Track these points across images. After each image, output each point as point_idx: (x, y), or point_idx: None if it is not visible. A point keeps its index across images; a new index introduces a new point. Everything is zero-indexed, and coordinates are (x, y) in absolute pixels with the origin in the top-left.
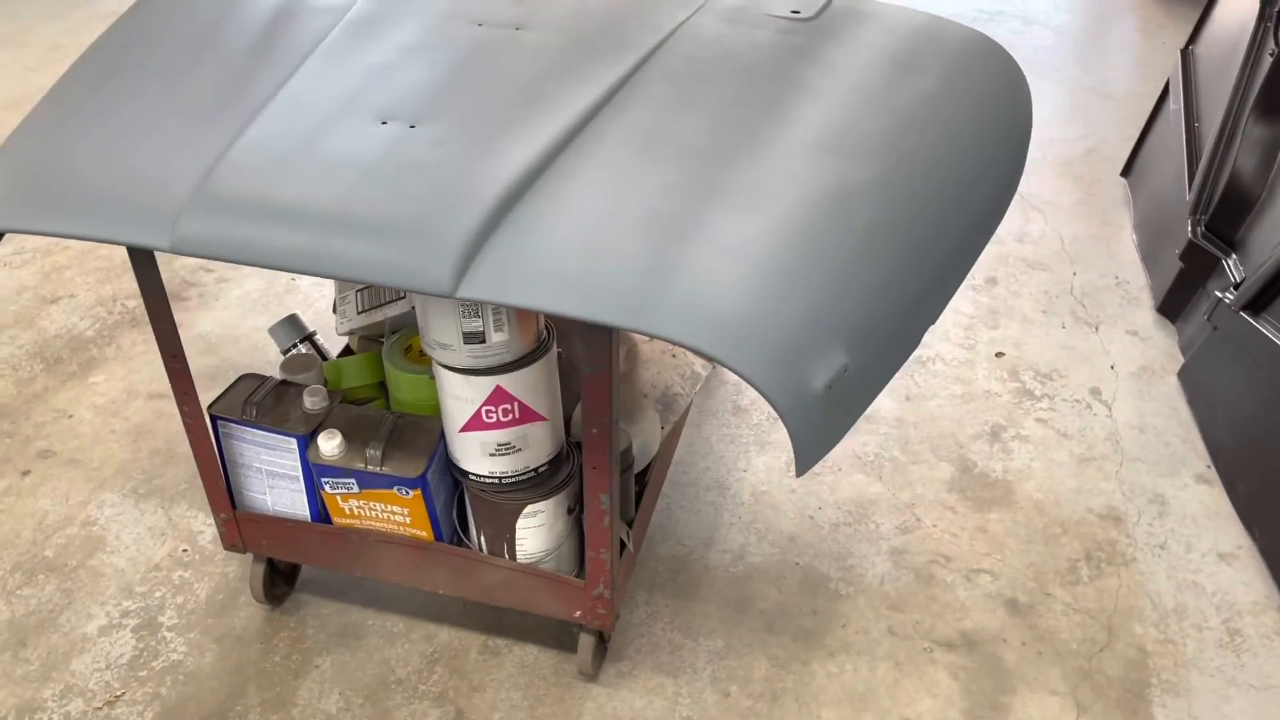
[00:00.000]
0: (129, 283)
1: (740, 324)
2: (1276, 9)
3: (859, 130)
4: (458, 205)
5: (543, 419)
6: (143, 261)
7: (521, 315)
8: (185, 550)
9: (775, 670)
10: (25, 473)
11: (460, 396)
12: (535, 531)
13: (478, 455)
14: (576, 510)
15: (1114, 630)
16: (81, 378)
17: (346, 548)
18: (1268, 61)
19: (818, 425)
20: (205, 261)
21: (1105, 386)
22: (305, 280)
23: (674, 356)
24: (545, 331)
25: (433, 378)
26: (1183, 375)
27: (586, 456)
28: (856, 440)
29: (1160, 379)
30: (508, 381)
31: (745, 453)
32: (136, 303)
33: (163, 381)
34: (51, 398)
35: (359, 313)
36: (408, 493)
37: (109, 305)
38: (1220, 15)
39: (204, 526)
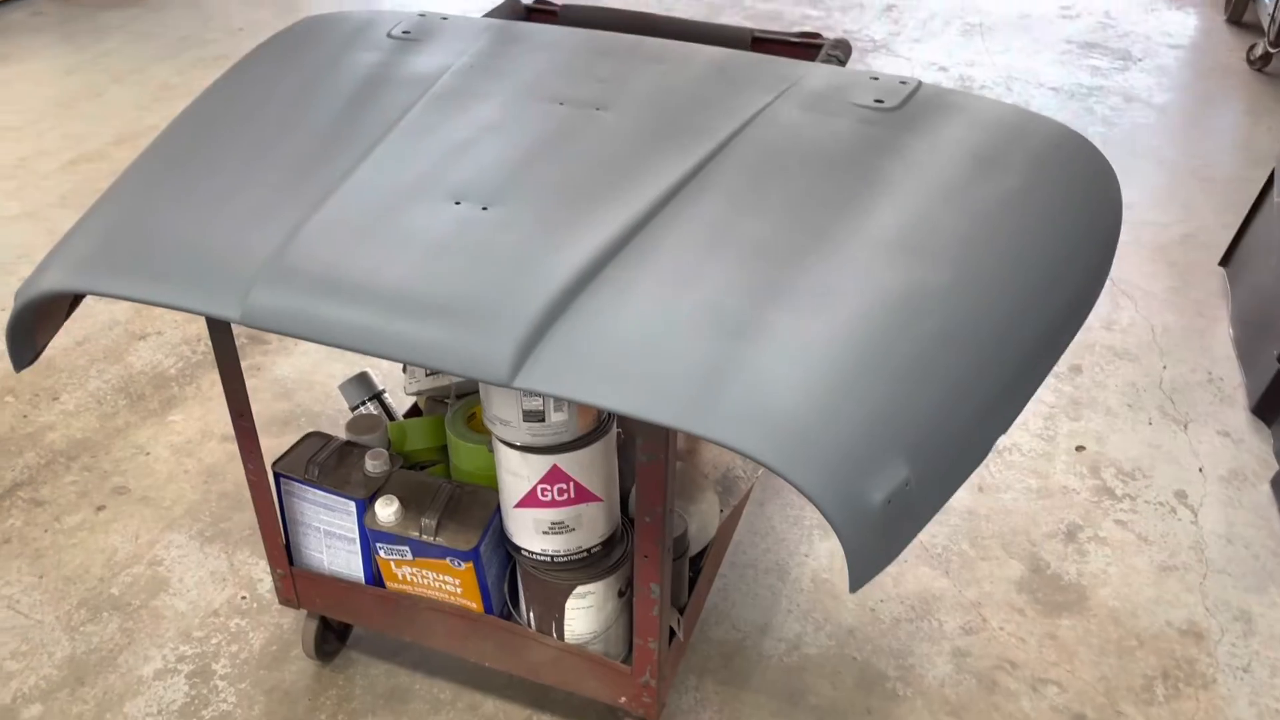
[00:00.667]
0: None
1: (797, 432)
2: None
3: (935, 230)
4: (521, 292)
5: (598, 500)
6: (218, 326)
7: None
8: (244, 598)
9: None
10: (100, 508)
11: (517, 473)
12: (585, 612)
13: (531, 532)
14: (628, 593)
15: None
16: (161, 415)
17: (398, 612)
18: None
19: (874, 541)
20: None
21: (1192, 490)
22: None
23: None
24: (605, 413)
25: (492, 449)
26: (1277, 484)
27: (638, 544)
28: (925, 531)
29: (1252, 486)
30: (565, 461)
31: (808, 536)
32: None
33: None
34: (132, 434)
35: (428, 374)
36: (460, 564)
37: (193, 344)
38: None
39: (263, 575)
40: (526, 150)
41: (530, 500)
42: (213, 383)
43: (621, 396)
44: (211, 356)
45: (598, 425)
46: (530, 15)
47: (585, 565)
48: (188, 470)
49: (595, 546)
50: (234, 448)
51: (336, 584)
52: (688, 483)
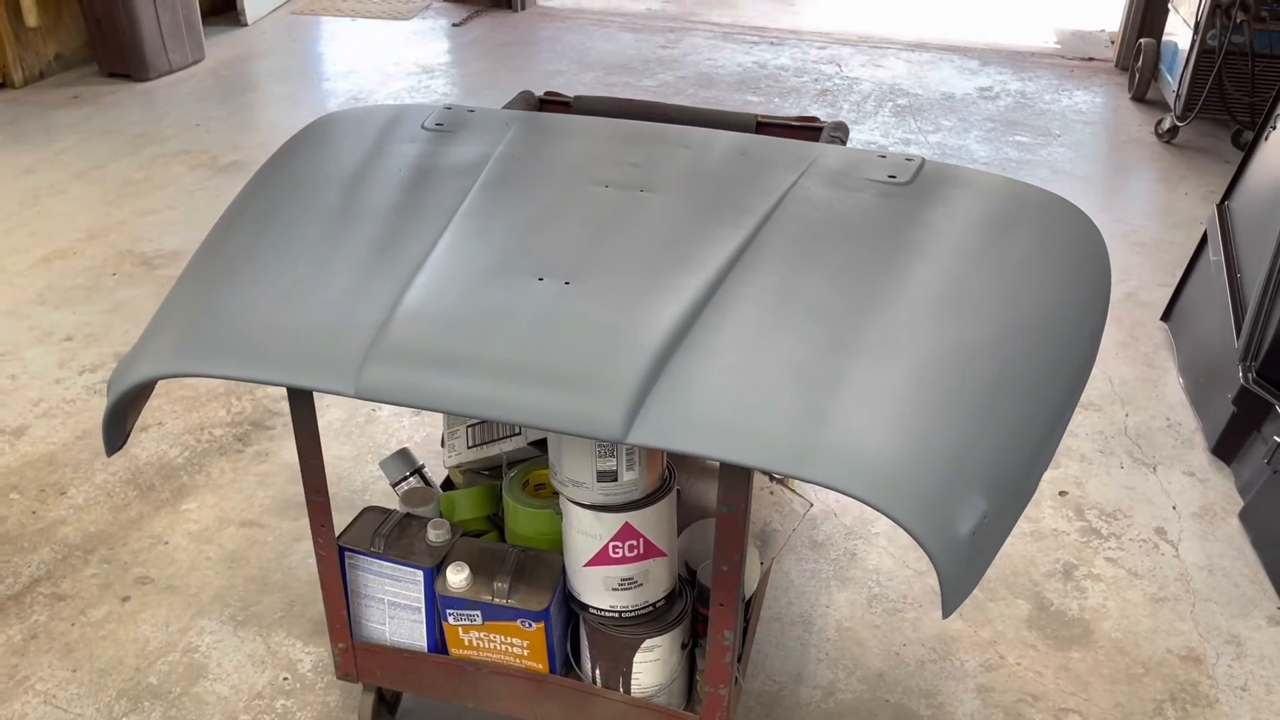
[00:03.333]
0: (213, 412)
1: (891, 473)
2: None
3: (970, 289)
4: (622, 358)
5: (663, 555)
6: (301, 404)
7: (651, 455)
8: (286, 679)
9: None
10: (125, 599)
11: (589, 532)
12: (651, 666)
13: (600, 589)
14: (690, 645)
15: None
16: (174, 505)
17: (461, 679)
18: None
19: (964, 569)
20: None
21: (1170, 527)
22: (384, 412)
23: (772, 494)
24: (667, 471)
25: (555, 513)
26: (1244, 517)
27: (715, 593)
28: (934, 577)
29: (1222, 520)
30: (635, 518)
31: (826, 588)
32: (223, 431)
33: (253, 510)
34: (147, 524)
35: (469, 447)
36: (531, 625)
37: (196, 434)
38: (1255, 176)
39: (303, 655)
40: (589, 229)
41: (601, 558)
42: (222, 470)
43: (729, 447)
44: (217, 445)
45: (662, 484)
46: (543, 106)
47: (651, 619)
48: (209, 557)
49: (660, 601)
50: (254, 533)
51: (398, 654)
52: None
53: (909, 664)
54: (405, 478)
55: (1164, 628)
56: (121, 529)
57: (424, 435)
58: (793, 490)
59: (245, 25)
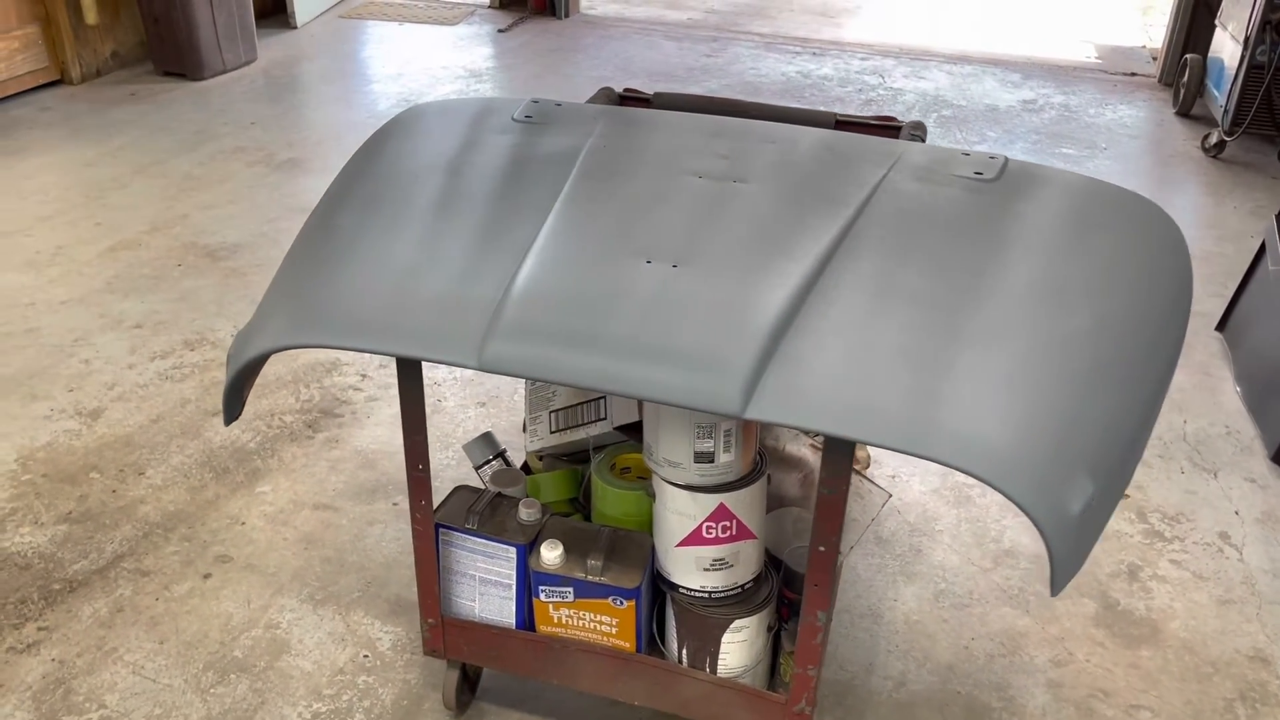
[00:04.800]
0: (282, 399)
1: (1007, 453)
2: None
3: (1065, 281)
4: (737, 337)
5: (754, 537)
6: (410, 378)
7: (746, 438)
8: (366, 656)
9: None
10: (206, 576)
11: (683, 512)
12: (739, 647)
13: (691, 570)
14: (776, 628)
15: None
16: (249, 487)
17: (548, 656)
18: None
19: (1073, 547)
20: (357, 381)
21: (1233, 531)
22: (450, 403)
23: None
24: (759, 456)
25: (645, 494)
26: None
27: (810, 573)
28: (1000, 574)
29: None
30: (730, 499)
31: (893, 583)
32: (293, 418)
33: (326, 494)
34: (223, 505)
35: (552, 432)
36: (622, 603)
37: (267, 420)
38: None
39: (382, 634)
40: (688, 217)
41: (694, 538)
42: (294, 456)
43: (845, 424)
44: (288, 431)
45: (755, 467)
46: (623, 101)
47: (740, 600)
48: (286, 538)
49: (748, 583)
50: (328, 516)
51: (487, 631)
52: (806, 526)
53: (978, 658)
54: (488, 460)
55: (1231, 629)
56: (200, 509)
57: (489, 425)
58: (871, 480)
59: (295, 27)
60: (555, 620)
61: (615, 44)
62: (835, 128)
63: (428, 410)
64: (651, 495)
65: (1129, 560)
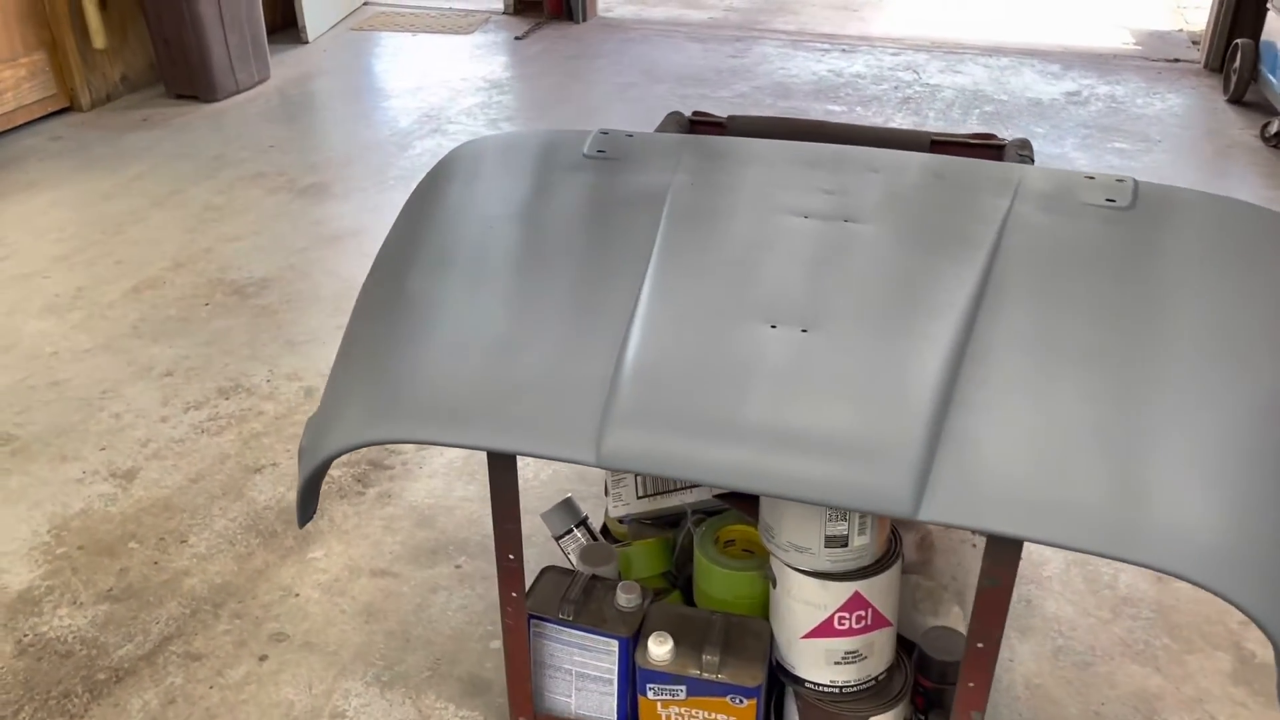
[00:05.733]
0: None
1: (1228, 552)
2: None
3: (1239, 329)
4: (897, 417)
5: (889, 625)
6: (503, 467)
7: (881, 518)
8: None
9: None
10: (262, 658)
11: (812, 602)
12: None
13: (820, 663)
14: None
15: None
16: (300, 553)
17: None
18: None
19: None
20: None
21: None
22: None
23: (974, 545)
24: (893, 534)
25: (759, 575)
26: None
27: (966, 670)
28: (1121, 625)
29: None
30: (865, 587)
31: (1006, 640)
32: (340, 472)
33: (384, 558)
34: (274, 574)
35: (639, 497)
36: (742, 702)
37: None
38: None
39: (459, 718)
40: (804, 267)
41: (824, 630)
42: (345, 515)
43: (1038, 526)
44: (336, 487)
45: (889, 548)
46: (694, 127)
47: (874, 694)
48: (344, 610)
49: (882, 674)
50: (387, 583)
51: None
52: (929, 595)
53: None
54: (569, 530)
55: None
56: (249, 580)
57: (550, 473)
58: None
59: (306, 42)
60: (665, 718)
61: (637, 47)
62: (931, 148)
63: (473, 466)
64: (768, 577)
65: None
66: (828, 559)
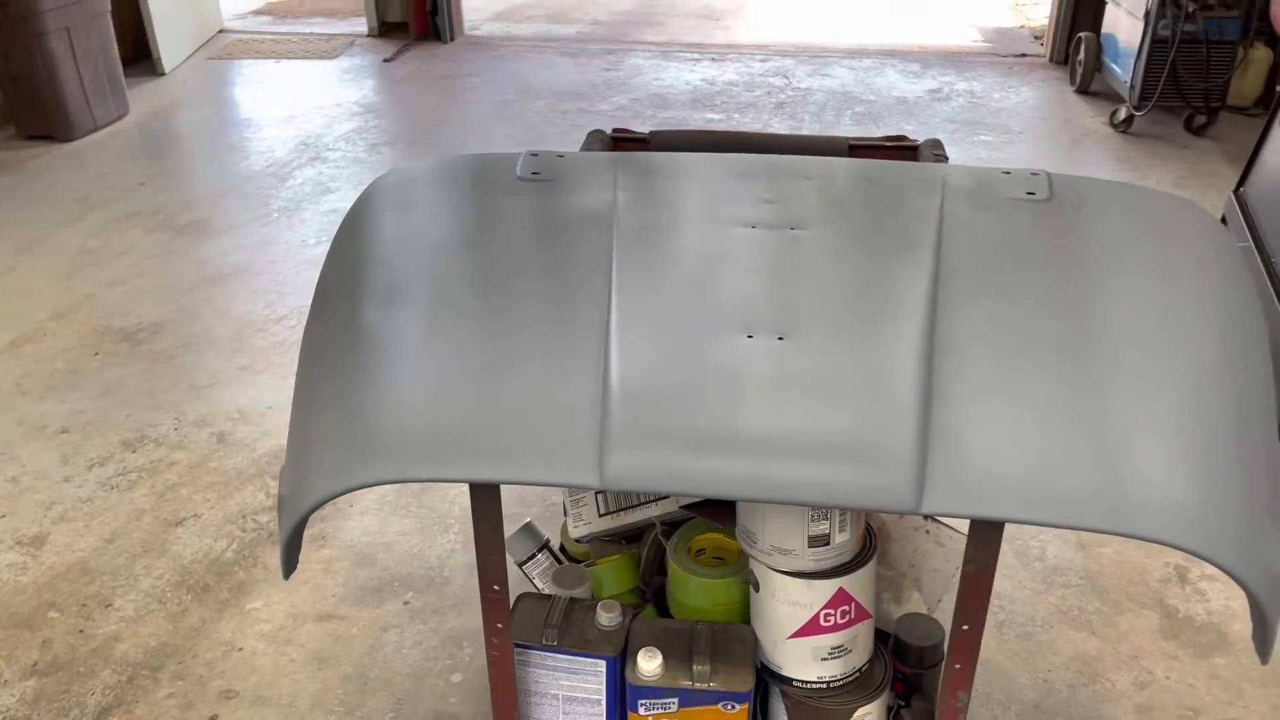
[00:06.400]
0: (250, 496)
1: (1207, 518)
2: None
3: (1179, 306)
4: (888, 417)
5: (870, 617)
6: (486, 497)
7: (858, 514)
8: None
9: None
10: (213, 718)
11: (798, 602)
12: None
13: (807, 661)
14: (896, 709)
15: None
16: (238, 605)
17: None
18: None
19: (1278, 611)
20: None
21: None
22: None
23: (928, 532)
24: (868, 530)
25: (740, 581)
26: None
27: (951, 654)
28: (1054, 595)
29: None
30: (848, 582)
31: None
32: (268, 517)
33: (327, 602)
34: (213, 630)
35: (602, 515)
36: (734, 708)
37: (239, 523)
38: (1272, 160)
39: None
40: (763, 275)
41: (811, 628)
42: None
43: (1033, 509)
44: (267, 533)
45: (866, 542)
46: (616, 145)
47: (858, 686)
48: (293, 659)
49: (864, 665)
50: (335, 627)
51: None
52: (891, 584)
53: (1061, 690)
54: (533, 555)
55: None
56: (186, 639)
57: None
58: (948, 525)
59: (163, 74)
60: None
61: (509, 65)
62: (849, 153)
63: (416, 489)
64: (749, 582)
65: (1174, 562)
66: (811, 559)
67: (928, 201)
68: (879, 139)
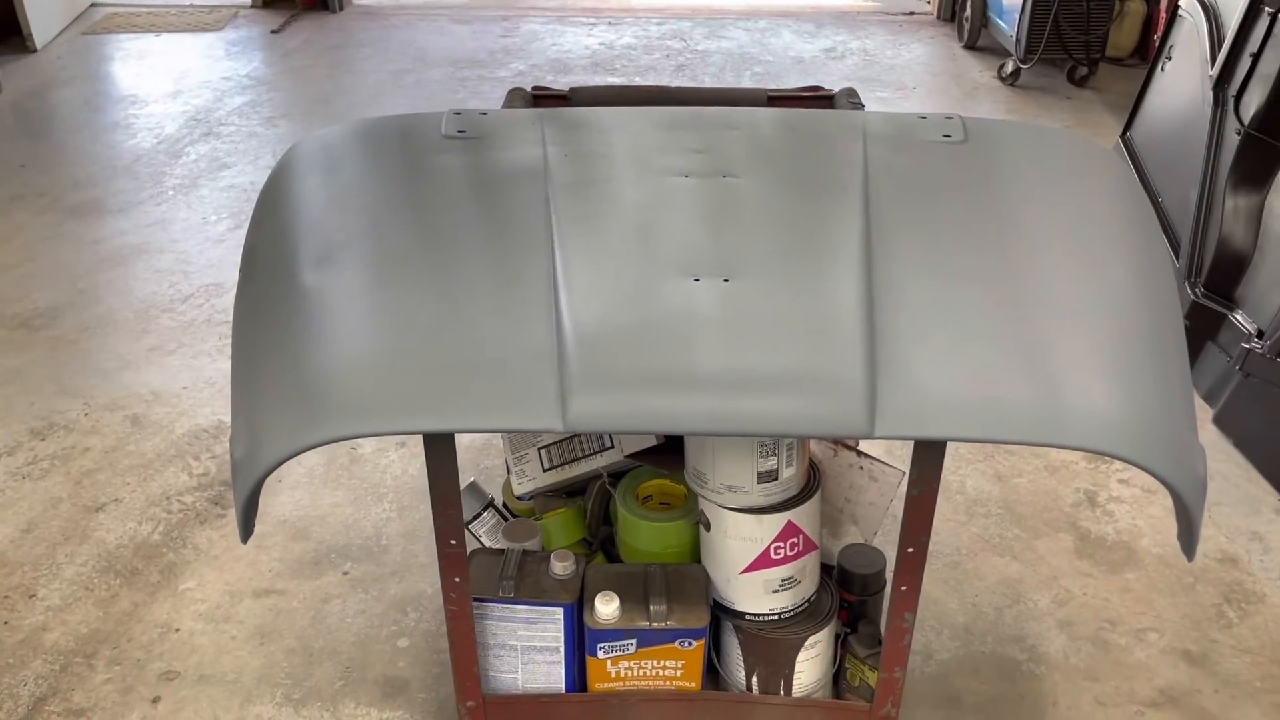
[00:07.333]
0: (174, 478)
1: (1138, 429)
2: (1231, 93)
3: (1091, 233)
4: (838, 349)
5: (816, 548)
6: (441, 450)
7: (803, 448)
8: None
9: None
10: (155, 700)
11: (749, 537)
12: (813, 663)
13: (759, 594)
14: (844, 635)
15: None
16: (170, 587)
17: (605, 715)
18: (1235, 139)
19: (1202, 509)
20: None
21: None
22: (367, 448)
23: (862, 469)
24: (811, 464)
25: (690, 523)
26: (1220, 422)
27: (898, 576)
28: (976, 525)
29: (1200, 429)
30: (797, 515)
31: (886, 551)
32: (193, 497)
33: (264, 577)
34: (146, 613)
35: (546, 470)
36: (690, 644)
37: (163, 505)
38: (1154, 106)
39: None
40: (704, 222)
41: (762, 562)
42: (210, 540)
43: (982, 428)
44: (194, 513)
45: (812, 476)
46: (537, 102)
47: (808, 615)
48: (234, 636)
49: (813, 596)
50: (274, 602)
51: (534, 702)
52: (829, 519)
53: (988, 613)
54: (479, 514)
55: None
56: (119, 623)
57: (417, 468)
58: (880, 460)
59: (34, 50)
60: (614, 675)
61: (401, 33)
62: (769, 104)
63: (345, 461)
64: (700, 522)
65: (1083, 487)
66: (761, 494)
67: (851, 146)
68: (797, 89)
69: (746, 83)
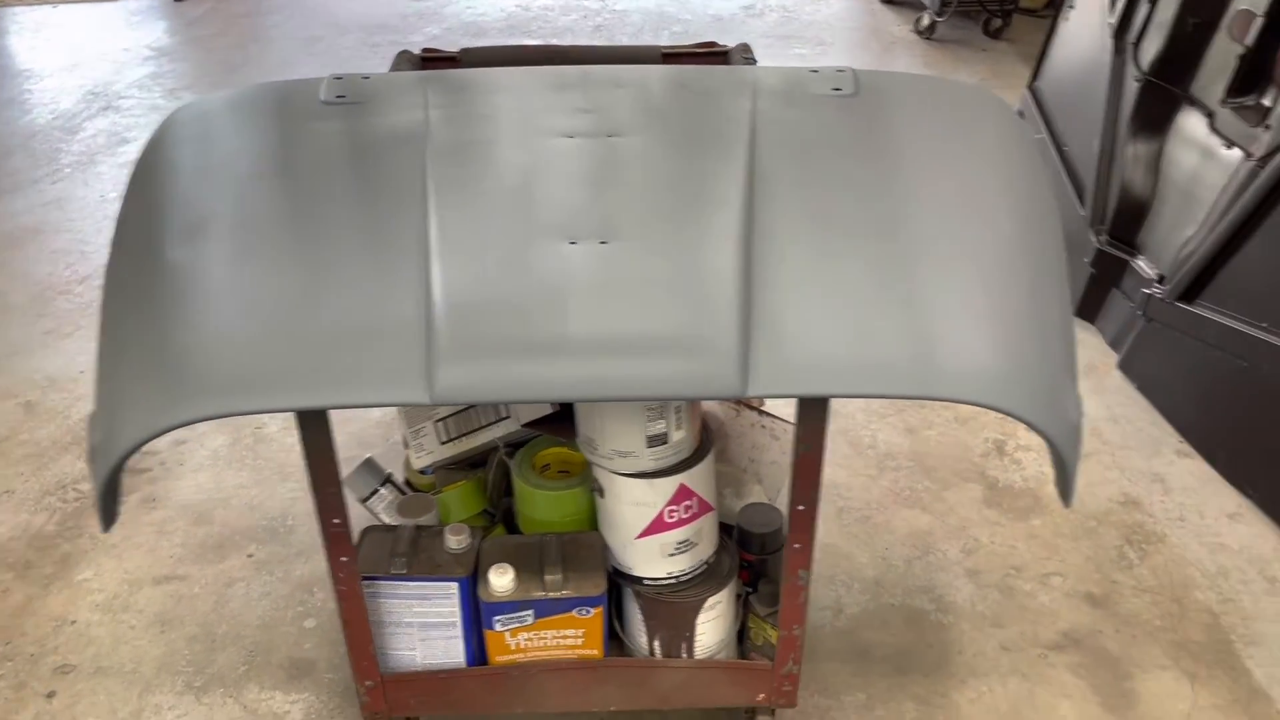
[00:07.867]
0: (68, 465)
1: (1010, 379)
2: (1130, 40)
3: (974, 187)
4: (711, 309)
5: (712, 510)
6: (316, 426)
7: (693, 410)
8: None
9: (923, 709)
10: (50, 694)
11: (642, 502)
12: (714, 624)
13: (655, 559)
14: (745, 595)
15: (1181, 601)
16: (65, 578)
17: (507, 687)
18: (1134, 86)
19: (1077, 455)
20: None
21: None
22: (273, 427)
23: (764, 428)
24: (704, 426)
25: (586, 490)
26: (1124, 368)
27: (791, 534)
28: (887, 479)
29: (1105, 374)
30: (688, 478)
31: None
32: (90, 485)
33: (164, 564)
34: (39, 607)
35: (443, 443)
36: (588, 612)
37: (58, 494)
38: (1060, 56)
39: (288, 705)
40: (583, 183)
41: (656, 526)
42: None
43: (856, 383)
44: (91, 499)
45: (705, 438)
46: (426, 64)
47: (707, 577)
48: (132, 626)
49: (711, 557)
50: (175, 588)
51: (434, 678)
52: (733, 479)
53: (898, 565)
54: (375, 490)
55: (1096, 480)
56: (11, 618)
57: None
58: (780, 418)
59: None
60: (513, 647)
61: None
62: (663, 61)
63: (250, 441)
64: (594, 489)
65: (992, 437)
66: (651, 459)
67: (740, 102)
68: (691, 46)
69: (665, 41)
